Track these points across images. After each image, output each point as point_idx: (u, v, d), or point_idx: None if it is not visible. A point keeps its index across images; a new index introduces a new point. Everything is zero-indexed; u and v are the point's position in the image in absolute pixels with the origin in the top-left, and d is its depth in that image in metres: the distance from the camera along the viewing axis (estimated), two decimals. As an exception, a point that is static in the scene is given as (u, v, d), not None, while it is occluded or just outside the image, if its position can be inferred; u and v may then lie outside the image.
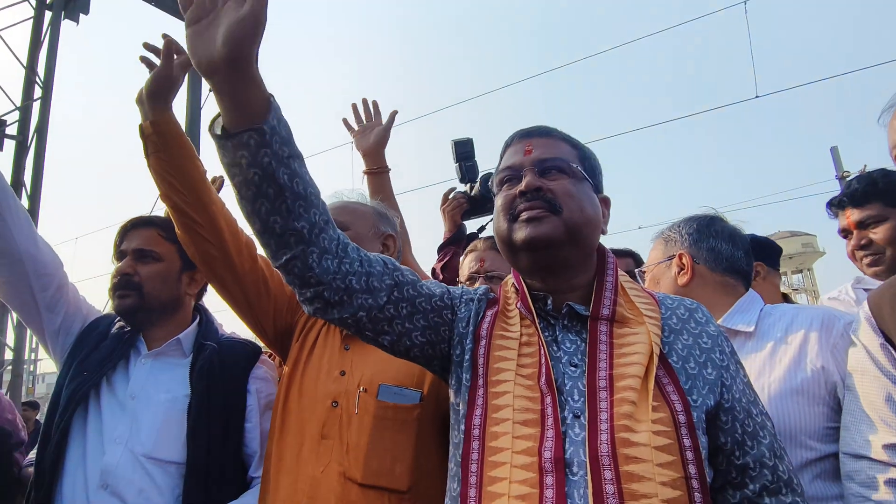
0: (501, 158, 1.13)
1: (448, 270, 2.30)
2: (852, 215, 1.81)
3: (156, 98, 1.38)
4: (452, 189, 2.38)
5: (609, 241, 1.09)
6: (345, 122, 2.10)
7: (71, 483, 1.36)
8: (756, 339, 1.34)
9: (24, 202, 6.31)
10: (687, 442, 0.85)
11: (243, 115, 0.87)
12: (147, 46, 1.42)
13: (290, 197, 0.89)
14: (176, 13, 7.26)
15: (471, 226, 2.40)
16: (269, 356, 2.02)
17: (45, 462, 1.36)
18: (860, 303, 1.79)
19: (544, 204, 0.99)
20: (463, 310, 1.08)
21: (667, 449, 0.83)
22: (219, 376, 1.48)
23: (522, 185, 1.00)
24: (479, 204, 2.27)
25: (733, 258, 1.43)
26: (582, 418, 0.87)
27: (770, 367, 1.27)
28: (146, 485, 1.35)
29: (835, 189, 13.17)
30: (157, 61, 1.39)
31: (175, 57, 1.38)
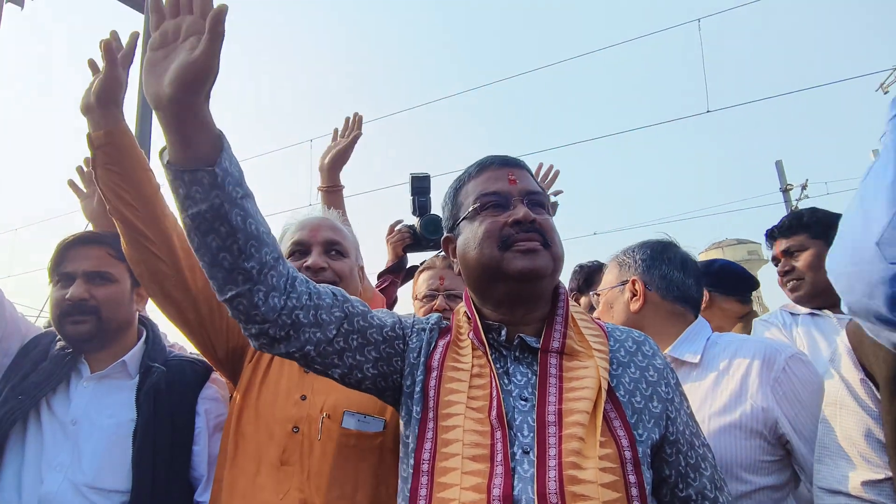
0: (468, 181, 1.11)
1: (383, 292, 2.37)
2: (780, 245, 2.06)
3: (106, 105, 1.30)
4: (399, 221, 2.46)
5: (566, 245, 1.12)
6: (335, 132, 2.18)
7: None
8: (700, 368, 1.36)
9: (-42, 195, 5.94)
10: (632, 478, 0.87)
11: (192, 154, 0.86)
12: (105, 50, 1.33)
13: (241, 237, 0.89)
14: (131, 3, 6.97)
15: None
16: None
17: None
18: (788, 327, 1.98)
19: (539, 237, 1.00)
20: (414, 340, 1.08)
21: (613, 486, 0.85)
22: (167, 398, 1.42)
23: (520, 215, 1.00)
24: (422, 241, 2.34)
25: (684, 286, 1.46)
26: (531, 454, 0.89)
27: (711, 399, 1.30)
28: None
29: (779, 201, 13.85)
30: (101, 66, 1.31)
31: (120, 58, 1.30)
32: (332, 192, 2.04)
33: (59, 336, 1.48)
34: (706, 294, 2.13)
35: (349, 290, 1.43)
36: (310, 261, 1.42)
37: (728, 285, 2.31)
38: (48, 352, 1.45)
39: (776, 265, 2.07)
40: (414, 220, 2.36)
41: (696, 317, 1.48)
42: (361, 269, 1.59)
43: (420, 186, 2.33)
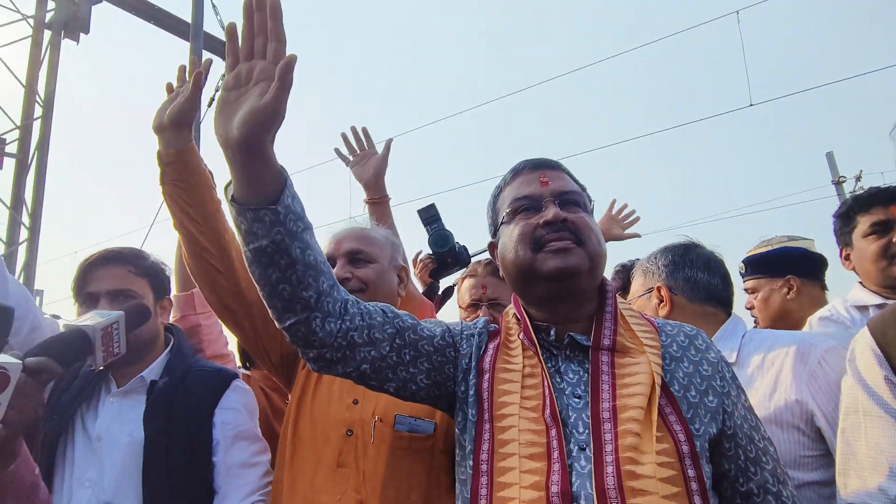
0: (504, 187, 1.15)
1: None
2: None
3: (180, 126, 1.36)
4: (419, 252, 2.56)
5: (611, 249, 1.13)
6: (337, 151, 2.12)
7: None
8: (736, 367, 1.35)
9: (25, 219, 6.34)
10: (691, 472, 0.86)
11: (255, 191, 0.90)
12: (181, 74, 1.43)
13: (300, 268, 0.92)
14: (175, 31, 7.32)
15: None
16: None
17: None
18: (857, 324, 1.72)
19: (571, 235, 1.01)
20: (465, 346, 1.10)
21: (671, 480, 0.84)
22: (181, 412, 1.41)
23: (549, 216, 1.01)
24: (444, 262, 2.42)
25: (710, 286, 1.44)
26: (587, 451, 0.89)
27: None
28: None
29: (831, 194, 13.25)
30: (176, 85, 1.39)
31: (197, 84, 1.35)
32: (379, 204, 2.03)
33: None
34: (794, 282, 1.98)
35: (379, 293, 1.49)
36: (334, 273, 1.47)
37: (812, 270, 2.10)
38: (80, 370, 1.47)
39: (875, 233, 1.72)
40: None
41: (729, 314, 1.46)
42: (405, 269, 1.62)
43: (428, 217, 2.38)
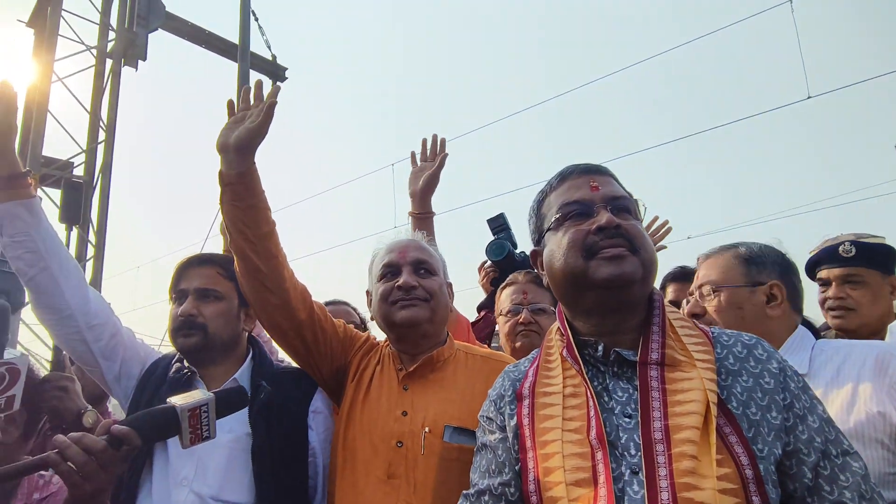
0: (550, 192, 1.10)
1: (475, 328, 2.43)
2: None
3: (245, 150, 1.40)
4: (485, 261, 2.57)
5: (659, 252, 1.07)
6: (412, 155, 2.18)
7: None
8: (809, 378, 1.26)
9: (91, 237, 6.72)
10: (756, 500, 0.79)
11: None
12: (246, 94, 1.48)
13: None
14: (226, 54, 7.63)
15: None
16: None
17: None
18: None
19: (625, 242, 0.96)
20: (507, 414, 1.05)
21: None
22: (277, 416, 1.48)
23: (603, 221, 0.97)
24: (507, 271, 2.41)
25: (801, 294, 1.40)
26: (640, 475, 0.83)
27: None
28: None
29: (897, 189, 12.36)
30: (240, 106, 1.44)
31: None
32: (424, 219, 2.06)
33: (174, 359, 1.59)
34: (889, 279, 1.81)
35: (440, 305, 1.50)
36: (401, 280, 1.48)
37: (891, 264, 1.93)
38: (166, 376, 1.55)
39: None
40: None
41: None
42: (449, 286, 1.64)
43: (497, 226, 2.42)
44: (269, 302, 1.43)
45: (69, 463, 1.00)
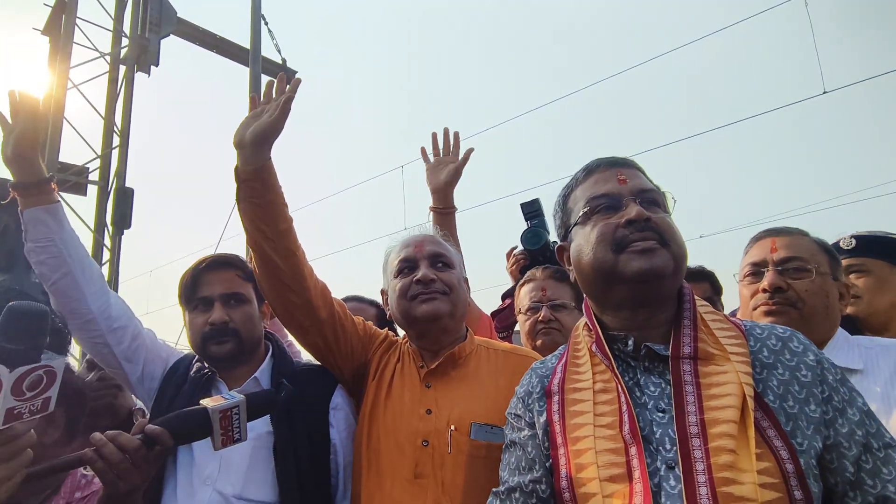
0: (576, 186, 1.08)
1: (499, 317, 2.40)
2: None
3: (261, 144, 1.36)
4: (515, 247, 2.50)
5: None
6: (422, 151, 2.09)
7: None
8: (862, 376, 1.22)
9: (107, 241, 6.79)
10: (798, 494, 0.77)
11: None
12: (269, 89, 1.45)
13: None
14: (237, 58, 7.68)
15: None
16: None
17: None
18: None
19: (656, 235, 0.95)
20: (536, 410, 1.04)
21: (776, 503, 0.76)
22: (299, 414, 1.47)
23: (633, 214, 0.95)
24: (537, 259, 2.39)
25: None
26: (677, 469, 0.81)
27: (886, 409, 1.16)
28: None
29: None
30: (262, 100, 1.41)
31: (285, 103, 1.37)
32: (446, 214, 1.99)
33: (195, 359, 1.59)
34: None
35: (459, 299, 1.48)
36: (419, 274, 1.45)
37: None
38: (186, 375, 1.55)
39: None
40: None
41: None
42: (466, 281, 1.61)
43: (530, 211, 2.36)
44: (289, 301, 1.41)
45: (105, 461, 1.01)
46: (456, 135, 2.06)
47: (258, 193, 1.36)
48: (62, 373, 0.98)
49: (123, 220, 6.47)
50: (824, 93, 7.56)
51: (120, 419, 1.70)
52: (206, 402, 1.13)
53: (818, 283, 1.34)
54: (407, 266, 1.50)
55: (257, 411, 1.21)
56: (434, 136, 2.07)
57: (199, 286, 1.55)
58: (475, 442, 1.27)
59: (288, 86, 1.42)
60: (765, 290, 1.36)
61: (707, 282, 2.19)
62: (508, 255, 2.52)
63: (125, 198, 6.49)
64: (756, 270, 1.42)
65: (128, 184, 6.83)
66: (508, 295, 2.45)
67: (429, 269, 1.46)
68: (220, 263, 1.58)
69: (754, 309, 1.39)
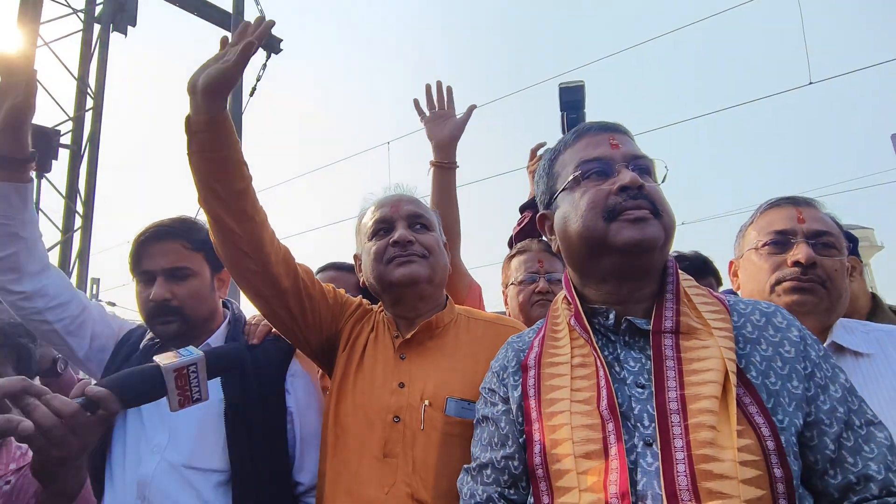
0: (564, 150, 1.03)
1: (521, 235, 2.20)
2: None
3: (216, 94, 1.18)
4: (542, 144, 2.23)
5: None
6: (415, 103, 2.00)
7: (111, 495, 1.34)
8: (871, 360, 1.18)
9: (79, 208, 6.58)
10: (777, 472, 0.74)
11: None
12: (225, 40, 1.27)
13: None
14: (218, 23, 7.43)
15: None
16: None
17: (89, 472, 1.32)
18: None
19: (649, 204, 0.91)
20: (510, 385, 1.01)
21: (755, 482, 0.73)
22: (253, 379, 1.39)
23: (626, 180, 0.90)
24: None
25: None
26: (654, 446, 0.79)
27: None
28: (187, 497, 1.29)
29: (893, 179, 12.38)
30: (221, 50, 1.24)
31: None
32: (447, 169, 1.88)
33: (147, 329, 1.51)
34: (857, 265, 1.74)
35: (439, 265, 1.40)
36: (396, 235, 1.36)
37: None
38: (138, 345, 1.49)
39: None
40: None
41: None
42: (446, 245, 1.52)
43: (570, 100, 2.01)
44: (247, 268, 1.29)
45: (37, 426, 0.88)
46: (449, 89, 1.99)
47: (210, 147, 1.20)
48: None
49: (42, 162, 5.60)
50: (810, 83, 7.61)
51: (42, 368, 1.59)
52: (158, 359, 1.04)
53: (843, 263, 1.25)
54: (383, 227, 1.40)
55: (221, 368, 1.13)
56: (428, 87, 1.99)
57: (141, 258, 1.45)
58: (450, 418, 1.20)
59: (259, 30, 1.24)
60: (797, 264, 1.22)
61: (712, 276, 2.17)
62: (532, 153, 2.26)
63: (45, 139, 5.52)
64: (782, 240, 1.27)
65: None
66: (528, 207, 2.25)
67: (406, 230, 1.37)
68: (162, 235, 1.45)
69: (777, 283, 1.25)
